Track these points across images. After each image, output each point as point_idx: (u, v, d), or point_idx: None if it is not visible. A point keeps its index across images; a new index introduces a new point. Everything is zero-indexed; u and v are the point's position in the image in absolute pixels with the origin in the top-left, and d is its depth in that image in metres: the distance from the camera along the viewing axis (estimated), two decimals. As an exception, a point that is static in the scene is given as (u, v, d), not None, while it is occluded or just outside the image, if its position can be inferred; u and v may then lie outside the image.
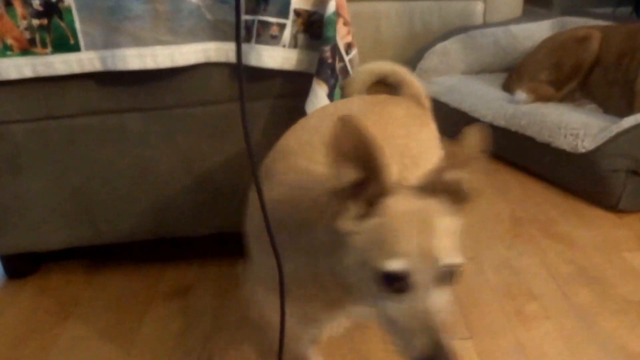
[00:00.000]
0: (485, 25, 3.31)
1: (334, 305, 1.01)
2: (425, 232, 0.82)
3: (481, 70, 3.23)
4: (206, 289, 1.76)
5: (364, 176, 0.83)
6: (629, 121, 2.13)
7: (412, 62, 3.14)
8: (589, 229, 2.01)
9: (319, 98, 1.45)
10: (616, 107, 2.45)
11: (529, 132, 2.39)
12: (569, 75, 2.70)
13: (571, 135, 2.23)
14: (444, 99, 2.83)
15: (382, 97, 1.38)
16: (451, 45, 3.17)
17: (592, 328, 1.51)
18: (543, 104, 2.54)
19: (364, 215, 0.84)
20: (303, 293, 0.99)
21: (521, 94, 2.60)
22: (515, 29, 3.22)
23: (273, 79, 1.53)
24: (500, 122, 2.52)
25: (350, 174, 0.82)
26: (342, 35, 1.51)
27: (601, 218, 2.08)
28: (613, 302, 1.61)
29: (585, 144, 2.16)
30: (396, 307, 0.83)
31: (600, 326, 1.52)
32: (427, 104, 1.47)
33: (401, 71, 1.50)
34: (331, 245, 0.88)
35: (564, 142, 2.23)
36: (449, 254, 0.82)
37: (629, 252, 1.85)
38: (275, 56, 1.47)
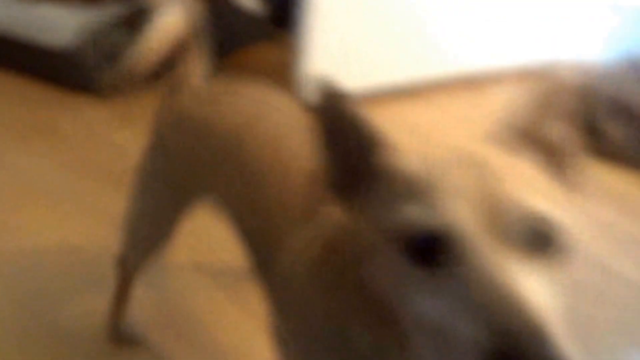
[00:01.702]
0: None
1: None
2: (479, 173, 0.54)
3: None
4: None
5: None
6: (100, 13, 2.34)
7: None
8: (78, 118, 2.22)
9: None
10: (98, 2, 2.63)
11: (17, 33, 2.40)
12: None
13: (52, 31, 2.33)
14: None
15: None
16: None
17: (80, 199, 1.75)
18: (31, 5, 2.55)
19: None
20: None
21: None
22: None
23: None
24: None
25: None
26: None
27: (88, 105, 2.30)
28: (98, 175, 1.87)
29: (65, 38, 2.29)
30: (428, 290, 0.51)
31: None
32: None
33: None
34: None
35: (49, 39, 2.33)
36: (534, 202, 0.52)
37: (115, 132, 2.13)
38: None
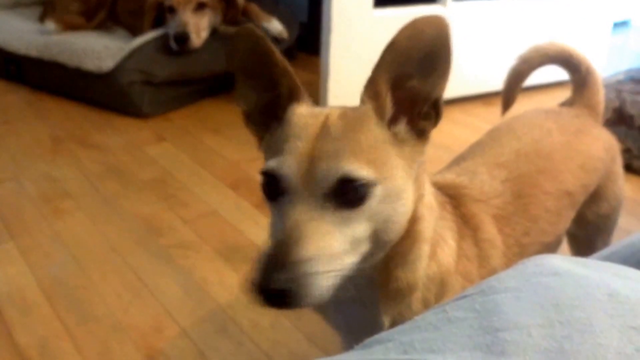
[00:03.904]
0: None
1: None
2: (316, 135, 0.69)
3: (17, 4, 3.26)
4: None
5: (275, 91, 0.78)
6: (138, 40, 2.53)
7: None
8: (119, 134, 2.38)
9: None
10: (139, 30, 2.84)
11: (61, 60, 2.60)
12: (96, 6, 2.98)
13: (95, 57, 2.53)
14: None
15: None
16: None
17: (115, 207, 1.89)
18: (73, 33, 2.76)
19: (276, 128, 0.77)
20: None
21: (50, 25, 2.76)
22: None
23: None
24: (34, 53, 2.66)
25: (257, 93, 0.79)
26: None
27: (129, 124, 2.47)
28: (133, 185, 2.01)
29: (107, 64, 2.48)
30: (272, 217, 0.73)
31: (120, 204, 1.90)
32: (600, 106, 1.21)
33: (579, 55, 1.22)
34: None
35: (90, 65, 2.52)
36: (340, 162, 0.67)
37: (149, 145, 2.28)
38: None
